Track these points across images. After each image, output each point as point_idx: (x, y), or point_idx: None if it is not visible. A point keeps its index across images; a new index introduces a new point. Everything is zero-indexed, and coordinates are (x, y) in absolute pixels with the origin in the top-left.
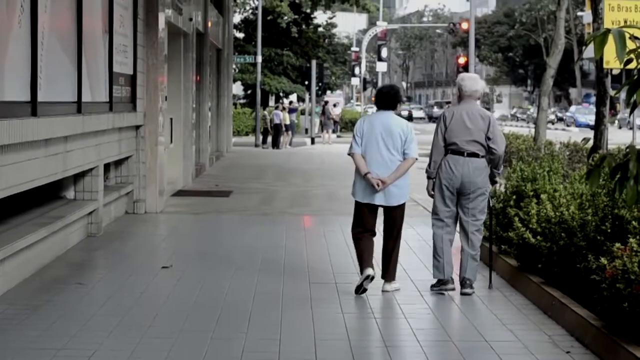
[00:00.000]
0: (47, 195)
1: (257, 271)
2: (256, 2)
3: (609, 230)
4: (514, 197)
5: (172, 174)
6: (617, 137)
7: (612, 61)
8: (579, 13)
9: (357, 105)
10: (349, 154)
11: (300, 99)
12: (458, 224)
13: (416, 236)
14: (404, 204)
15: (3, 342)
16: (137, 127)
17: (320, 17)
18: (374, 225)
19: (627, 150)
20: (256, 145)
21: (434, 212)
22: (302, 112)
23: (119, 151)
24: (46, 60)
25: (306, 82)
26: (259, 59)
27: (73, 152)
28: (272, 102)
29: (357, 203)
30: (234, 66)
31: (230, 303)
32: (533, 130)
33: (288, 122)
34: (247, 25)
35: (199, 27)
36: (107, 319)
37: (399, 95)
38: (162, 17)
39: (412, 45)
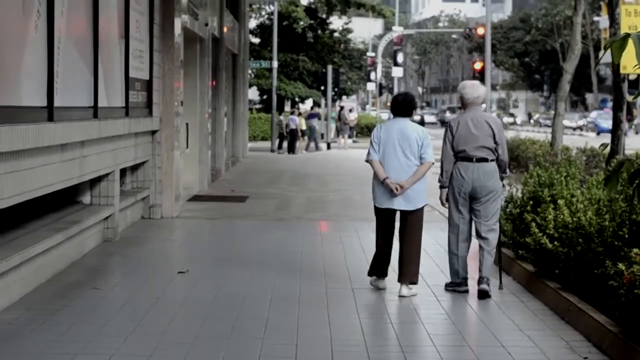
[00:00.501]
0: (64, 200)
1: (273, 276)
2: (272, 8)
3: (626, 236)
4: (531, 202)
5: (188, 179)
6: (634, 143)
7: (629, 66)
8: (596, 18)
9: (372, 110)
10: (366, 161)
11: (316, 104)
12: (473, 227)
13: (432, 241)
14: (422, 208)
15: (19, 346)
16: (153, 132)
17: (336, 22)
18: (393, 229)
19: None
20: (272, 151)
21: (450, 220)
22: (319, 118)
23: (135, 156)
24: (62, 65)
25: (322, 88)
26: (275, 64)
27: (89, 157)
28: (287, 107)
29: (376, 208)
30: (249, 71)
31: (247, 308)
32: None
33: (304, 128)
34: (263, 30)
35: (215, 33)
36: (123, 324)
37: (415, 102)
38: (178, 22)
39: (428, 50)
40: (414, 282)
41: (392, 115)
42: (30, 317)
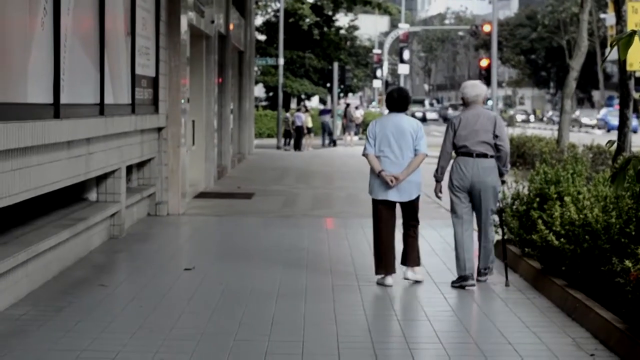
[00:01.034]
0: (70, 197)
1: (279, 272)
2: (278, 5)
3: (633, 233)
4: (538, 199)
5: (194, 176)
6: None
7: (635, 63)
8: (602, 15)
9: (374, 107)
10: (363, 155)
11: (322, 101)
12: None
13: (438, 238)
14: (417, 198)
15: (26, 343)
16: (160, 129)
17: (342, 19)
18: (393, 220)
19: None
20: (278, 148)
21: (452, 211)
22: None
23: (141, 153)
24: (69, 63)
25: (328, 85)
26: (281, 61)
27: (95, 154)
28: (293, 105)
29: (374, 201)
30: (255, 68)
31: (253, 304)
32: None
33: (310, 125)
34: (269, 27)
35: (221, 30)
36: (130, 321)
37: (409, 97)
38: (185, 19)
39: (434, 47)
40: (417, 265)
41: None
42: (37, 314)
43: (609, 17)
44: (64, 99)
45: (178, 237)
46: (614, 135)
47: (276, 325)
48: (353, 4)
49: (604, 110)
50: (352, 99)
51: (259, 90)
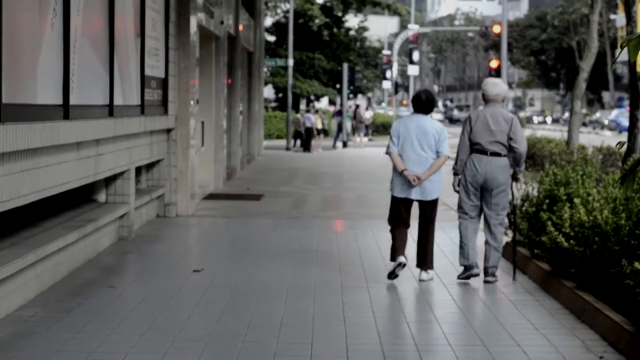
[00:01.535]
0: (79, 198)
1: (288, 274)
2: (288, 6)
3: None
4: (547, 201)
5: (203, 177)
6: None
7: None
8: (612, 16)
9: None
10: (386, 153)
11: (332, 102)
12: (482, 219)
13: (447, 240)
14: (437, 199)
15: (35, 344)
16: (169, 131)
17: (352, 20)
18: (409, 218)
19: None
20: (287, 149)
21: (460, 207)
22: (334, 115)
23: (150, 154)
24: (78, 64)
25: (337, 86)
26: (291, 62)
27: (105, 155)
28: (303, 106)
29: (393, 198)
30: (265, 69)
31: (262, 306)
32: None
33: (320, 126)
34: (279, 28)
35: (231, 31)
36: (139, 322)
37: (435, 100)
38: (194, 20)
39: (443, 48)
40: (431, 268)
41: (412, 111)
42: (46, 315)
43: (619, 18)
44: (73, 100)
45: (187, 238)
46: (625, 137)
47: (285, 327)
48: (363, 5)
49: (615, 112)
50: (359, 100)
51: (269, 91)
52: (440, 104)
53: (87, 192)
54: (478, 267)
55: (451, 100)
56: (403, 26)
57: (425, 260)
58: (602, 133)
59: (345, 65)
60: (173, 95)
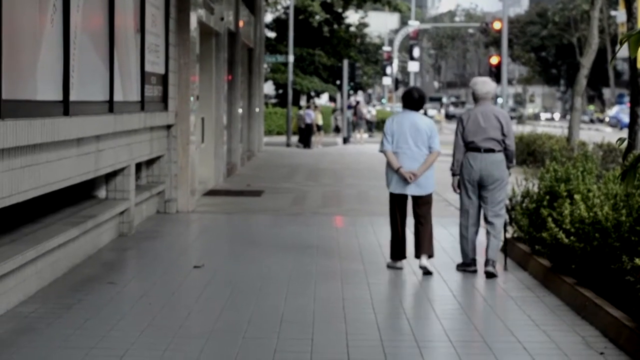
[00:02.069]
0: (79, 194)
1: (288, 270)
2: (288, 2)
3: None
4: (548, 197)
5: (203, 173)
6: None
7: None
8: (613, 12)
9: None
10: (380, 151)
11: (332, 99)
12: (481, 213)
13: (448, 236)
14: (430, 194)
15: (35, 340)
16: (169, 127)
17: (352, 16)
18: (406, 212)
19: None
20: (287, 145)
21: (461, 206)
22: (334, 112)
23: (150, 150)
24: (78, 60)
25: (338, 82)
26: (291, 58)
27: (105, 152)
28: (303, 102)
29: (392, 194)
30: (265, 65)
31: (262, 302)
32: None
33: (320, 122)
34: (279, 24)
35: (231, 27)
36: (139, 319)
37: (425, 98)
38: (194, 16)
39: (444, 44)
40: (431, 255)
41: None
42: (46, 311)
43: (620, 14)
44: (73, 96)
45: (187, 234)
46: (625, 133)
47: (285, 323)
48: (363, 1)
49: (616, 108)
50: (359, 97)
51: (269, 88)
52: (445, 99)
53: (87, 188)
54: (476, 265)
55: (457, 98)
56: (403, 22)
57: (424, 247)
58: (603, 129)
59: (346, 62)
60: (173, 91)
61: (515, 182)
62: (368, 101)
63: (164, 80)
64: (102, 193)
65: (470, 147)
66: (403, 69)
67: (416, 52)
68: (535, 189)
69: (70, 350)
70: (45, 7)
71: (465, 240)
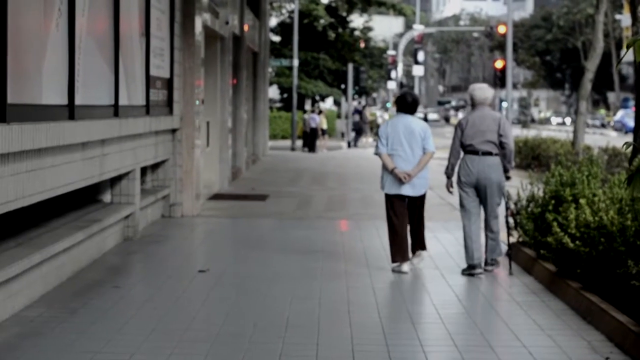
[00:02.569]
0: (84, 198)
1: (293, 274)
2: (292, 6)
3: None
4: (553, 201)
5: (208, 177)
6: None
7: None
8: (617, 16)
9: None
10: (375, 154)
11: (336, 103)
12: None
13: (452, 240)
14: (425, 193)
15: (40, 344)
16: (174, 131)
17: (357, 20)
18: (405, 213)
19: None
20: (292, 149)
21: (461, 205)
22: (338, 116)
23: (155, 154)
24: (84, 64)
25: (342, 86)
26: (296, 62)
27: (110, 156)
28: (308, 106)
29: (387, 195)
30: (270, 69)
31: (268, 307)
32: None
33: (325, 127)
34: (284, 28)
35: (236, 31)
36: (144, 323)
37: (418, 101)
38: (199, 20)
39: (448, 48)
40: (424, 249)
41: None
42: (51, 315)
43: (625, 18)
44: (78, 100)
45: (192, 238)
46: (630, 137)
47: (291, 327)
48: (368, 5)
49: (621, 112)
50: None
51: (274, 92)
52: (453, 102)
53: (92, 192)
54: (482, 267)
55: (465, 102)
56: (408, 26)
57: (418, 242)
58: (607, 133)
59: (350, 66)
60: (178, 95)
61: (520, 186)
62: (370, 105)
63: (169, 84)
64: (107, 197)
65: (469, 150)
66: (408, 73)
67: (421, 56)
68: (541, 194)
69: (76, 354)
70: (50, 11)
71: (469, 239)
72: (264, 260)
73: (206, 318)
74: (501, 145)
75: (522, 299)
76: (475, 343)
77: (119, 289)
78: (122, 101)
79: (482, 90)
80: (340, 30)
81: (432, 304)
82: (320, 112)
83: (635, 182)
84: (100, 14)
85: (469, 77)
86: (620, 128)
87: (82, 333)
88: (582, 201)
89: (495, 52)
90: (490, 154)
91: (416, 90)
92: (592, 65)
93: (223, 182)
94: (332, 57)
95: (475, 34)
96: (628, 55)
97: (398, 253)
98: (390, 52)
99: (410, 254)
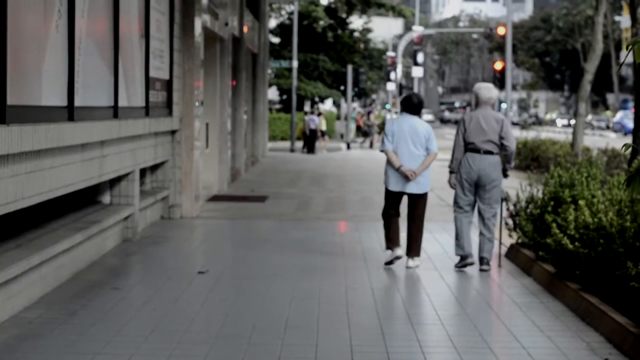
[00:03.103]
0: (84, 200)
1: (293, 276)
2: (292, 7)
3: None
4: (552, 203)
5: (207, 178)
6: None
7: None
8: (617, 18)
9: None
10: (381, 150)
11: (335, 104)
12: (476, 212)
13: (452, 242)
14: (427, 193)
15: (40, 346)
16: (173, 132)
17: (356, 22)
18: (399, 208)
19: None
20: (292, 151)
21: (455, 202)
22: (338, 117)
23: (154, 156)
24: (83, 65)
25: (342, 87)
26: (295, 63)
27: (109, 157)
28: (307, 107)
29: (388, 191)
30: (269, 71)
31: (267, 308)
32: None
33: (324, 128)
34: (283, 30)
35: (235, 32)
36: (143, 324)
37: (423, 103)
38: (199, 22)
39: (448, 50)
40: (418, 255)
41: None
42: (50, 317)
43: (624, 20)
44: (78, 102)
45: (191, 240)
46: (629, 139)
47: (290, 329)
48: (367, 7)
49: (620, 114)
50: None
51: (273, 93)
52: (457, 103)
53: (92, 193)
54: (473, 256)
55: (469, 103)
56: (407, 28)
57: (414, 248)
58: (607, 135)
59: (350, 67)
60: (177, 96)
61: (519, 187)
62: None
63: (168, 85)
64: (106, 198)
65: (470, 148)
66: (407, 75)
67: (420, 57)
68: (540, 195)
69: (75, 355)
70: (50, 12)
71: (460, 232)
72: (263, 262)
73: (205, 319)
74: (502, 147)
75: (521, 300)
76: (474, 344)
77: (118, 290)
78: (122, 102)
79: (488, 90)
80: (339, 31)
81: (431, 305)
82: (319, 114)
83: (635, 183)
84: (99, 16)
85: (468, 79)
86: (620, 129)
87: (82, 334)
88: (582, 202)
89: (494, 53)
90: (491, 153)
91: (415, 92)
92: (591, 66)
93: (222, 184)
94: (331, 58)
95: (475, 36)
96: (628, 57)
97: (392, 240)
98: (390, 53)
99: (408, 257)
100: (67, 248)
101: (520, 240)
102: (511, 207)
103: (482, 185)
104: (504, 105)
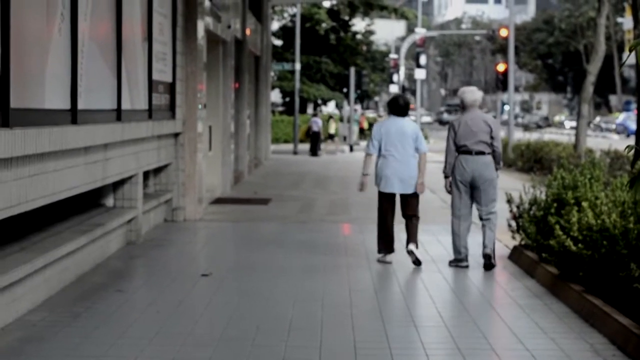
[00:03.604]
0: (87, 203)
1: (296, 278)
2: (294, 10)
3: None
4: (555, 204)
5: (210, 181)
6: None
7: None
8: (619, 19)
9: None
10: (367, 154)
11: (338, 107)
12: (474, 211)
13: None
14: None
15: (44, 349)
16: (176, 135)
17: (359, 24)
18: (394, 209)
19: None
20: (294, 153)
21: (452, 205)
22: (341, 120)
23: (158, 159)
24: (86, 68)
25: (344, 90)
26: (298, 66)
27: (112, 160)
28: (310, 110)
29: (381, 193)
30: (272, 73)
31: (270, 311)
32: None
33: (333, 131)
34: (286, 32)
35: (238, 35)
36: (147, 327)
37: (409, 104)
38: (201, 24)
39: (450, 52)
40: (415, 243)
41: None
42: (54, 319)
43: (627, 21)
44: (81, 105)
45: (195, 242)
46: (632, 140)
47: (293, 331)
48: (369, 9)
49: (623, 115)
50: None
51: (276, 96)
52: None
53: (95, 196)
54: (468, 261)
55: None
56: (410, 30)
57: (413, 237)
58: (610, 136)
59: (352, 69)
60: (180, 99)
61: (522, 189)
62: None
63: (171, 88)
64: (110, 201)
65: (462, 150)
66: (410, 77)
67: (423, 59)
68: (543, 197)
69: (79, 358)
70: (53, 16)
71: (457, 237)
72: (266, 264)
73: (209, 321)
74: (492, 147)
75: (525, 302)
76: (477, 346)
77: (122, 293)
78: (125, 105)
79: (472, 93)
80: (342, 34)
81: (435, 306)
82: (330, 117)
83: (638, 185)
84: (102, 19)
85: (471, 81)
86: (622, 131)
87: (86, 337)
88: (585, 204)
89: (497, 55)
90: (482, 153)
91: (418, 94)
92: (594, 68)
93: (225, 186)
94: (334, 61)
95: (477, 38)
96: (630, 58)
97: (384, 245)
98: (392, 55)
99: (409, 243)
100: (71, 251)
101: (523, 242)
102: (514, 209)
103: (477, 186)
104: (506, 107)
